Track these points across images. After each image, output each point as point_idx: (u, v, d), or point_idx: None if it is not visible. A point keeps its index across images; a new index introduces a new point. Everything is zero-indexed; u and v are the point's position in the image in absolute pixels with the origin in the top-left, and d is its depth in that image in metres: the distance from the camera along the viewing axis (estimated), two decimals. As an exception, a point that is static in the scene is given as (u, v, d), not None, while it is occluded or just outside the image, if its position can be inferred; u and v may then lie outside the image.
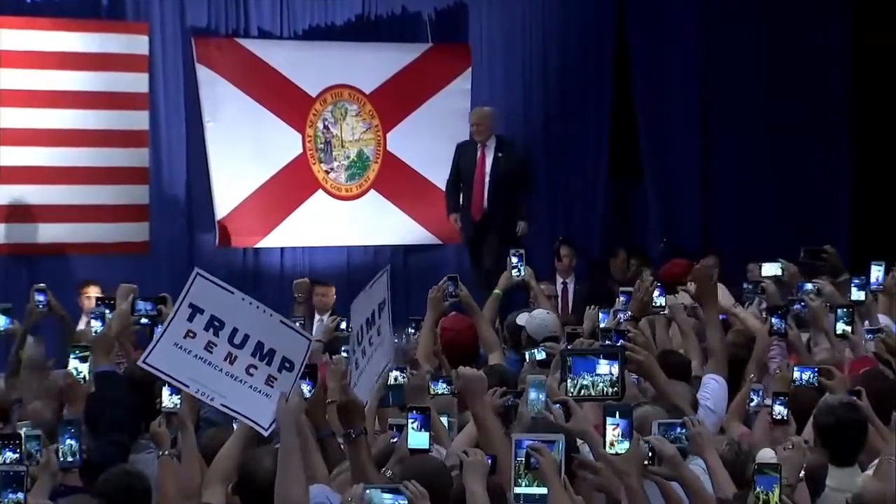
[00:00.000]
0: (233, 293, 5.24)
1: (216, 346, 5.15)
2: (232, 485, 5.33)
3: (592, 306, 9.19)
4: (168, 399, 5.97)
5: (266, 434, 5.27)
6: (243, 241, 13.87)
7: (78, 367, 6.68)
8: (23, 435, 5.69)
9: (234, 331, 5.17)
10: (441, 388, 6.99)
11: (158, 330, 5.30)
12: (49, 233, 12.82)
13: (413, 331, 8.85)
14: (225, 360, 5.16)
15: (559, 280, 13.36)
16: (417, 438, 5.65)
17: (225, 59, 13.68)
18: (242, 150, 13.70)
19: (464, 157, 12.82)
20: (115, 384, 6.58)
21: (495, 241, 12.29)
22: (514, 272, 9.48)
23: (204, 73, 13.56)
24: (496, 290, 9.40)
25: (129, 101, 13.25)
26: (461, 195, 12.87)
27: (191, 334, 5.14)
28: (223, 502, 5.39)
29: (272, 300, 12.45)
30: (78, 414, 6.36)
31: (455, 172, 12.92)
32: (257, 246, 13.94)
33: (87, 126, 13.02)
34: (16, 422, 7.12)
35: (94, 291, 11.24)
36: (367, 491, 4.78)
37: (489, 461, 5.17)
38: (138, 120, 13.33)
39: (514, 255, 9.57)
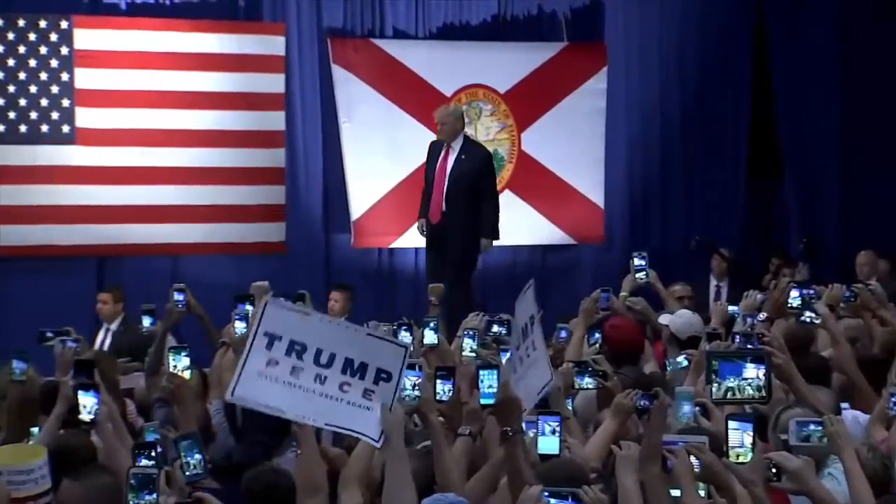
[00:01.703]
0: (308, 315, 5.23)
1: (302, 369, 5.12)
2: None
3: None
4: None
5: (378, 446, 5.23)
6: (378, 241, 13.90)
7: (179, 365, 6.70)
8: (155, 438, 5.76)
9: (319, 352, 5.14)
10: (587, 381, 6.94)
11: (238, 364, 5.26)
12: (188, 233, 12.96)
13: (564, 334, 8.80)
14: (315, 381, 5.13)
15: (713, 283, 13.23)
16: (548, 443, 5.61)
17: (360, 59, 13.73)
18: (377, 150, 13.73)
19: (431, 156, 12.04)
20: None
21: (449, 252, 11.62)
22: (639, 275, 9.37)
23: (339, 74, 13.62)
24: (622, 293, 9.30)
25: (265, 102, 13.35)
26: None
27: (273, 362, 5.12)
28: (361, 502, 5.37)
29: (407, 301, 12.62)
30: (187, 414, 6.35)
31: (425, 174, 12.27)
32: (392, 246, 13.96)
33: (224, 127, 13.14)
34: (159, 416, 7.18)
35: (107, 298, 11.40)
36: (546, 494, 4.72)
37: None
38: (275, 120, 13.42)
39: (638, 257, 9.46)
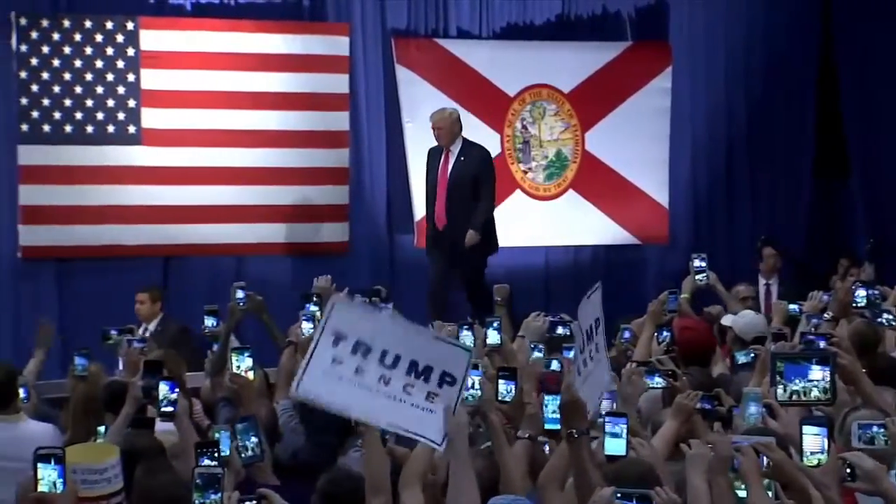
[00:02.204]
0: (377, 315, 5.22)
1: (366, 370, 5.12)
2: None
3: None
4: None
5: (440, 449, 5.23)
6: (441, 240, 13.89)
7: (242, 366, 6.72)
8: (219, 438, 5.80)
9: (384, 353, 5.14)
10: (656, 381, 6.92)
11: (303, 360, 5.27)
12: (252, 233, 13.00)
13: (628, 335, 8.77)
14: (379, 381, 5.13)
15: (762, 281, 13.12)
16: (615, 445, 5.59)
17: (424, 59, 13.73)
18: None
19: (431, 163, 11.99)
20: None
21: (449, 259, 11.60)
22: (699, 277, 9.32)
23: (403, 74, 13.63)
24: (683, 294, 9.26)
25: (330, 103, 13.37)
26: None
27: (337, 361, 5.12)
28: (422, 501, 5.37)
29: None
30: (250, 414, 6.38)
31: (426, 181, 12.13)
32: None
33: (288, 127, 13.18)
34: (222, 420, 7.21)
35: (145, 298, 11.43)
36: (618, 496, 4.70)
37: None
38: (339, 121, 13.44)
39: (698, 258, 9.42)
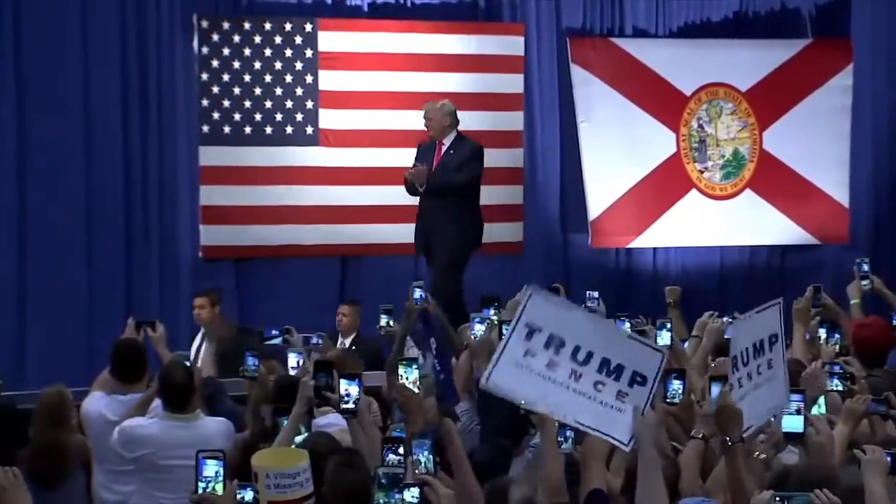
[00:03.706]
0: (572, 310, 5.18)
1: (558, 364, 5.08)
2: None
3: None
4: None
5: (626, 449, 5.18)
6: (616, 241, 13.84)
7: (409, 377, 6.70)
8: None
9: (577, 348, 5.09)
10: (835, 384, 6.83)
11: (496, 350, 5.26)
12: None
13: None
14: (570, 377, 5.09)
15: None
16: (792, 422, 5.64)
17: (599, 58, 13.67)
18: (616, 149, 13.65)
19: (422, 156, 11.47)
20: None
21: (436, 251, 11.18)
22: (864, 282, 9.14)
23: (578, 74, 13.59)
24: (853, 301, 9.08)
25: (505, 102, 13.40)
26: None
27: (530, 353, 5.08)
28: (605, 474, 5.34)
29: (644, 301, 12.50)
30: (416, 426, 6.36)
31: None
32: (629, 246, 13.88)
33: (463, 127, 13.13)
34: (397, 420, 7.25)
35: (204, 303, 11.16)
36: (777, 499, 4.64)
37: None
38: (514, 121, 13.47)
39: (863, 263, 9.26)
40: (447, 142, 11.36)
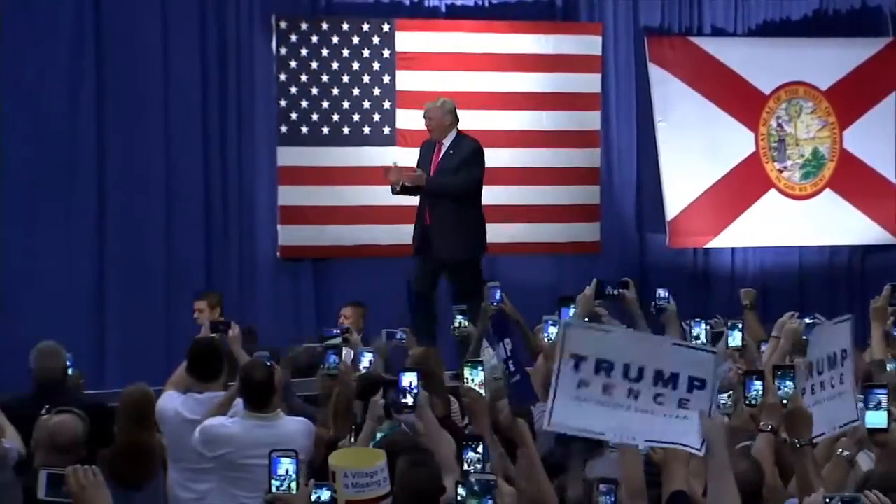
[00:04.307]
0: (609, 332, 5.15)
1: (614, 387, 5.04)
2: None
3: None
4: None
5: (701, 454, 5.16)
6: (693, 241, 13.78)
7: (475, 380, 6.69)
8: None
9: (627, 367, 5.04)
10: None
11: (550, 391, 5.23)
12: (504, 233, 13.04)
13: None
14: (629, 396, 5.04)
15: None
16: (876, 417, 5.57)
17: (677, 57, 13.62)
18: (693, 149, 13.60)
19: (423, 156, 11.16)
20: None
21: (438, 255, 10.77)
22: None
23: (656, 73, 13.55)
24: None
25: (582, 102, 13.37)
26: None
27: (584, 383, 5.06)
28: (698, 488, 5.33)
29: (722, 301, 12.45)
30: (482, 428, 6.36)
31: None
32: (707, 246, 13.82)
33: (540, 127, 13.23)
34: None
35: (203, 306, 11.02)
36: (827, 500, 4.62)
37: None
38: (591, 120, 13.43)
39: None
40: (447, 142, 11.04)
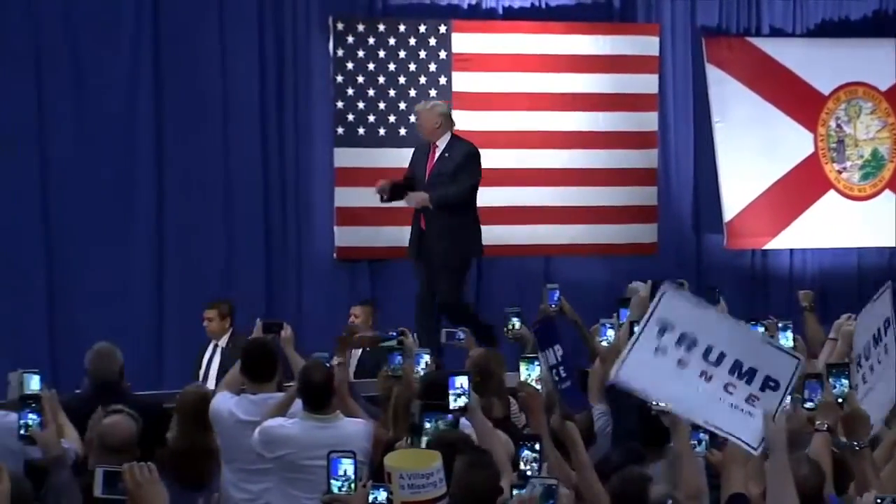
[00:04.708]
0: (706, 309, 5.14)
1: (689, 363, 5.06)
2: None
3: None
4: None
5: (755, 454, 5.13)
6: (751, 242, 13.73)
7: (532, 375, 6.67)
8: None
9: (709, 348, 5.06)
10: None
11: (627, 346, 5.24)
12: (561, 234, 13.06)
13: None
14: (700, 377, 5.07)
15: None
16: None
17: (735, 58, 13.57)
18: (751, 149, 13.55)
19: (418, 159, 10.90)
20: (625, 395, 6.57)
21: (433, 258, 10.53)
22: None
23: (714, 73, 13.50)
24: None
25: (639, 103, 13.33)
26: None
27: (661, 351, 5.06)
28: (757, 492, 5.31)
29: (780, 303, 12.40)
30: (539, 424, 6.36)
31: (408, 173, 11.00)
32: (765, 247, 13.75)
33: (597, 128, 13.19)
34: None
35: (213, 315, 10.86)
36: (878, 500, 4.61)
37: None
38: (648, 121, 13.39)
39: None
40: (441, 144, 10.77)
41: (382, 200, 10.89)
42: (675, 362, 5.06)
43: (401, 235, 12.57)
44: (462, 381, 6.24)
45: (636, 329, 5.22)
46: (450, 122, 10.85)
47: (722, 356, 5.07)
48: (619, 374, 5.13)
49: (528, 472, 5.53)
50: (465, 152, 10.70)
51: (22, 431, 6.08)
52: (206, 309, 10.97)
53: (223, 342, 10.73)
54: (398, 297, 12.40)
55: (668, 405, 5.13)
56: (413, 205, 10.62)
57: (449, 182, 10.52)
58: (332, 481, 5.37)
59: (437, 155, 10.71)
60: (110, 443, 6.51)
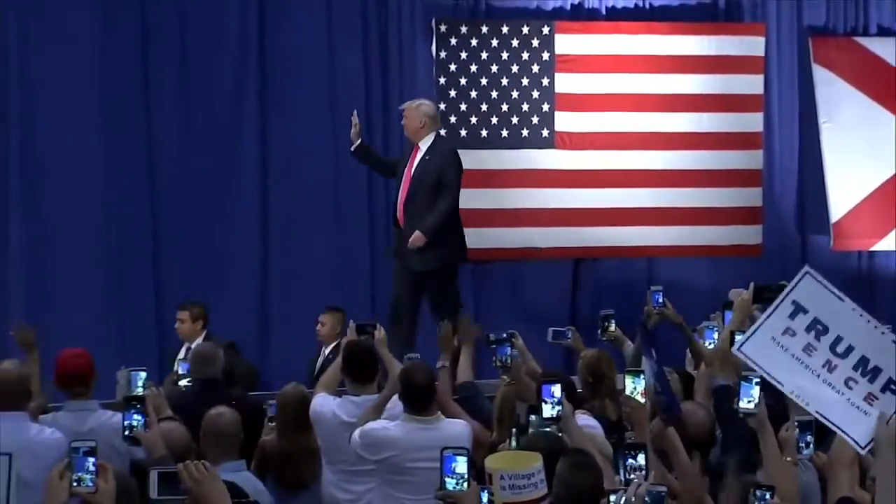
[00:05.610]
0: (843, 300, 5.09)
1: (815, 350, 5.02)
2: None
3: None
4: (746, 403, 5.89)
5: (862, 452, 5.08)
6: (858, 243, 13.58)
7: (637, 388, 6.61)
8: None
9: (838, 339, 5.02)
10: None
11: (758, 320, 5.21)
12: (663, 235, 13.00)
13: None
14: (823, 366, 5.03)
15: None
16: None
17: (842, 58, 13.43)
18: (859, 150, 13.40)
19: (403, 156, 10.82)
20: (727, 397, 6.53)
21: (412, 261, 10.47)
22: None
23: (820, 74, 13.36)
24: None
25: (744, 104, 13.22)
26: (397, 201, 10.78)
27: (790, 332, 5.03)
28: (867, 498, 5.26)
29: (886, 304, 12.26)
30: (642, 436, 6.31)
31: (391, 165, 10.98)
32: (872, 249, 13.59)
33: (701, 129, 13.11)
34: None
35: (185, 317, 10.74)
36: None
37: None
38: (753, 122, 13.28)
39: None
40: (423, 146, 10.67)
41: (352, 152, 10.97)
42: (801, 346, 5.04)
43: (505, 237, 12.67)
44: (556, 390, 6.25)
45: (771, 307, 5.17)
46: (434, 124, 10.82)
47: (850, 349, 5.03)
48: (742, 348, 5.12)
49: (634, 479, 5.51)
50: (446, 156, 10.63)
51: (126, 432, 6.16)
52: (179, 310, 10.92)
53: (195, 345, 10.13)
54: (500, 299, 12.50)
55: (785, 387, 5.10)
56: (411, 245, 10.44)
57: (430, 196, 10.45)
58: (448, 479, 5.35)
59: (418, 156, 10.66)
60: (221, 430, 6.54)
